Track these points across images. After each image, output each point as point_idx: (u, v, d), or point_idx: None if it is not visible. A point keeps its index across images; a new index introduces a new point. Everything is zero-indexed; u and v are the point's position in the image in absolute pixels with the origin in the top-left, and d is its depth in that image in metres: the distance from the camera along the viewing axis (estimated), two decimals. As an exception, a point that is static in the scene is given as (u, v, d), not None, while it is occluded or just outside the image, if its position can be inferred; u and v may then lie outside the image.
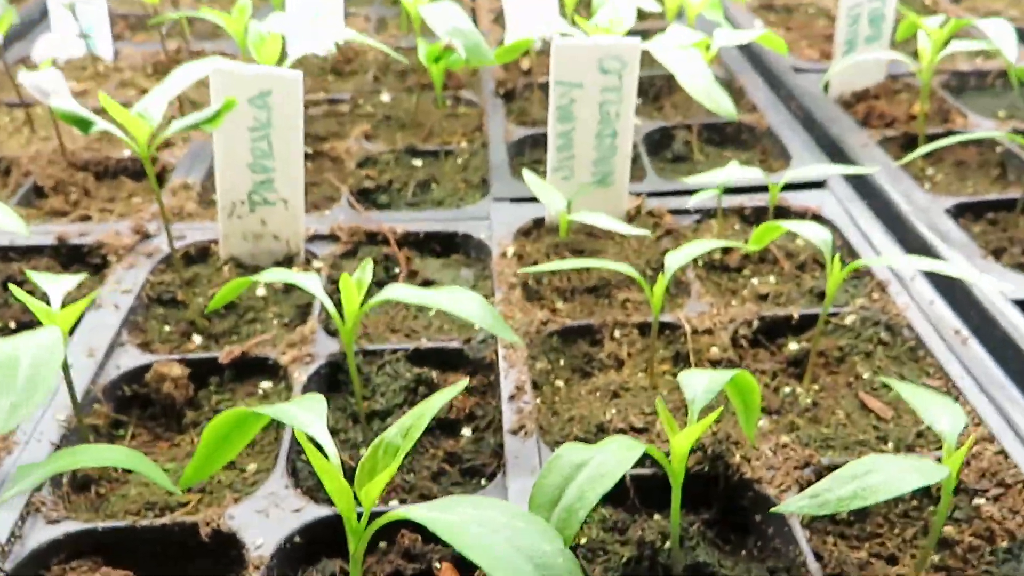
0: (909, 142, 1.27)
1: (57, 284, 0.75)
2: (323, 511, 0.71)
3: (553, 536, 0.47)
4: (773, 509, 0.59)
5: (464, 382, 0.58)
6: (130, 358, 0.88)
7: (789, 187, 1.08)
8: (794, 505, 0.56)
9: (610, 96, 1.02)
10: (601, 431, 0.78)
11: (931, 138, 1.22)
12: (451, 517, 0.47)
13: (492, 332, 0.67)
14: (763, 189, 1.14)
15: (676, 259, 0.79)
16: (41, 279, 0.75)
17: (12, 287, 0.74)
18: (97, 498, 0.77)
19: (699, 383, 0.63)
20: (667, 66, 1.06)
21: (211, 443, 0.60)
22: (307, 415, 0.57)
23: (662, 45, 1.09)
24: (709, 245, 0.81)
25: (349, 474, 0.78)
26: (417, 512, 0.48)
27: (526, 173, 1.02)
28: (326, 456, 0.53)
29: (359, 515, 0.53)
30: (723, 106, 1.05)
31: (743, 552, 0.72)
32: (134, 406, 0.87)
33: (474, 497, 0.44)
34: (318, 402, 0.59)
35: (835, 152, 1.24)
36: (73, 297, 0.81)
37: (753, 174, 1.01)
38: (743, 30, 1.30)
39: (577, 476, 0.55)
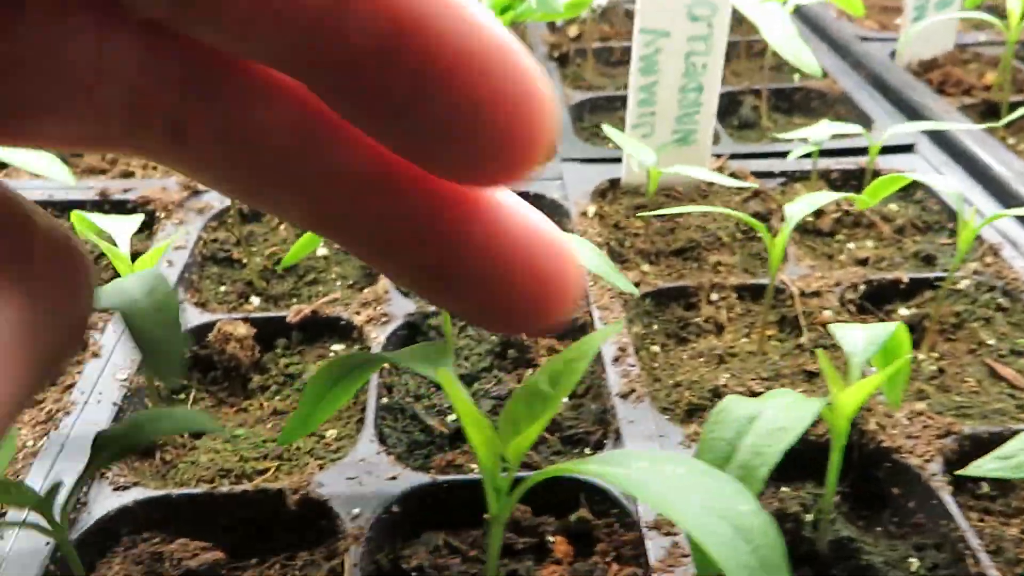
0: (988, 110, 1.21)
1: (122, 225, 0.67)
2: (422, 478, 0.64)
3: (747, 496, 0.40)
4: (962, 471, 0.52)
5: (620, 323, 0.52)
6: (190, 316, 0.81)
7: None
8: (985, 468, 0.50)
9: (698, 46, 0.95)
10: (717, 396, 0.72)
11: (1014, 106, 1.16)
12: (631, 473, 0.40)
13: (610, 280, 0.61)
14: (848, 152, 1.07)
15: (797, 209, 0.72)
16: (103, 220, 0.68)
17: (75, 216, 0.67)
18: (163, 464, 0.70)
19: (859, 336, 0.56)
20: (751, 18, 1.00)
21: (317, 392, 0.53)
22: (435, 360, 0.50)
23: (745, -3, 1.02)
24: (828, 196, 0.74)
25: (453, 439, 0.72)
26: (592, 467, 0.41)
27: (608, 128, 0.95)
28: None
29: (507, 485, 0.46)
30: (807, 62, 0.99)
31: (879, 528, 0.66)
32: (195, 368, 0.79)
33: (644, 451, 0.38)
34: (441, 349, 0.52)
35: (916, 118, 1.17)
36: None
37: (851, 130, 0.94)
38: (818, -11, 1.24)
39: (749, 430, 0.48)
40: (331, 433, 0.72)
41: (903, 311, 0.84)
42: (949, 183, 0.73)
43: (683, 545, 0.58)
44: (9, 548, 0.58)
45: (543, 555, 0.61)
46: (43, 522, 0.44)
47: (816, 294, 0.82)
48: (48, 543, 0.58)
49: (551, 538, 0.62)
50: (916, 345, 0.80)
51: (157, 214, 0.97)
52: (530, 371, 0.78)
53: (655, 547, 0.57)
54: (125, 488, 0.63)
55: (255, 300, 0.88)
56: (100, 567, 0.60)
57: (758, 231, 0.71)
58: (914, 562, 0.61)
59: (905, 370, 0.61)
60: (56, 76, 0.20)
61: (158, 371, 0.39)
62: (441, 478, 0.64)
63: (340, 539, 0.60)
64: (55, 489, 0.40)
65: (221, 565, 0.60)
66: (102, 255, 0.88)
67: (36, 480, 0.64)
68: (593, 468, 0.41)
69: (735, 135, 1.21)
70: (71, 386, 0.74)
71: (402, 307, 0.82)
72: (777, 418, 0.48)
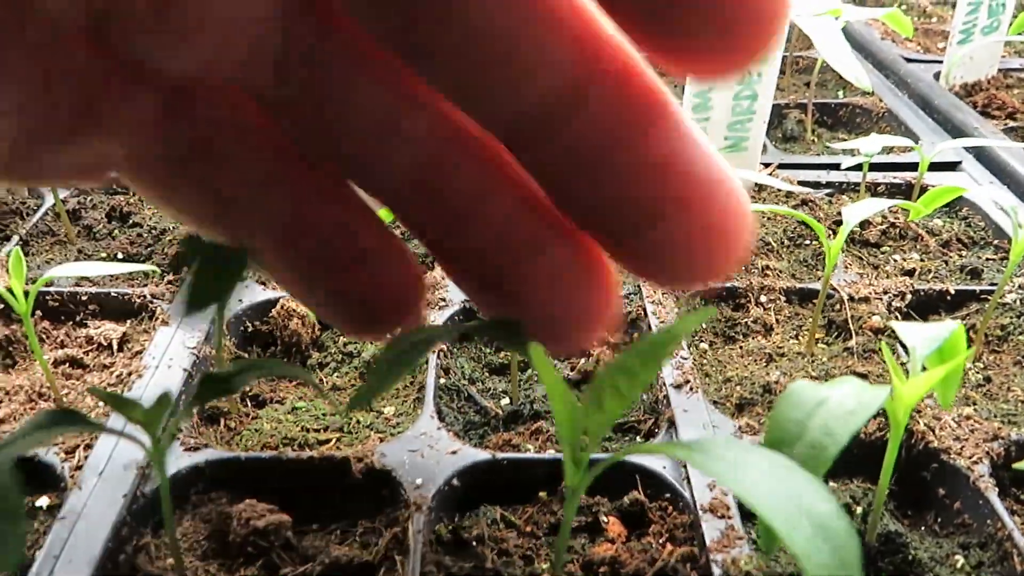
0: (1033, 134, 1.22)
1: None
2: (481, 455, 0.66)
3: (828, 495, 0.39)
4: (1018, 464, 0.53)
5: (713, 308, 0.53)
6: (253, 292, 0.84)
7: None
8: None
9: (753, 56, 0.97)
10: (768, 392, 0.73)
11: (1059, 130, 1.17)
12: (721, 462, 0.40)
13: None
14: (895, 167, 1.09)
15: (854, 213, 0.74)
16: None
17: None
18: (228, 431, 0.72)
19: (921, 332, 0.58)
20: (805, 31, 1.02)
21: (390, 360, 0.55)
22: (517, 335, 0.52)
23: (800, 9, 1.04)
24: (884, 203, 0.76)
25: (507, 421, 0.73)
26: (680, 452, 0.41)
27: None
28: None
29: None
30: (859, 78, 1.01)
31: (923, 527, 0.67)
32: (255, 343, 0.82)
33: (727, 439, 0.38)
34: (512, 324, 0.54)
35: (961, 137, 1.19)
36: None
37: (902, 143, 0.96)
38: (868, 7, 1.26)
39: (818, 412, 0.49)
40: (389, 410, 0.74)
41: (949, 322, 0.85)
42: (1004, 196, 0.75)
43: (738, 528, 0.59)
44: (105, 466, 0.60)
45: (597, 534, 0.63)
46: (147, 441, 0.44)
47: (865, 300, 0.84)
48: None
49: (605, 518, 0.64)
50: (962, 354, 0.82)
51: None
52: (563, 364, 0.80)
53: (710, 529, 0.59)
54: (196, 449, 0.66)
55: (312, 282, 0.90)
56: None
57: (807, 236, 0.73)
58: (959, 559, 0.62)
59: (960, 370, 0.62)
60: None
61: None
62: (500, 455, 0.66)
63: (401, 508, 0.62)
64: (164, 400, 0.42)
65: (286, 527, 0.62)
66: None
67: (108, 443, 0.67)
68: (682, 453, 0.42)
69: (781, 147, 1.22)
70: (140, 352, 0.76)
71: (459, 293, 0.84)
72: (845, 402, 0.50)
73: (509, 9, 0.20)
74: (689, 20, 0.20)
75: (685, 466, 0.64)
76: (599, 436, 0.47)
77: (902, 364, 0.73)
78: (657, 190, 0.22)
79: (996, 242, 0.97)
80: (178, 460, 0.65)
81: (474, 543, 0.61)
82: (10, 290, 0.65)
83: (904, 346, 0.76)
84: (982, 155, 1.13)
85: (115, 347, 0.78)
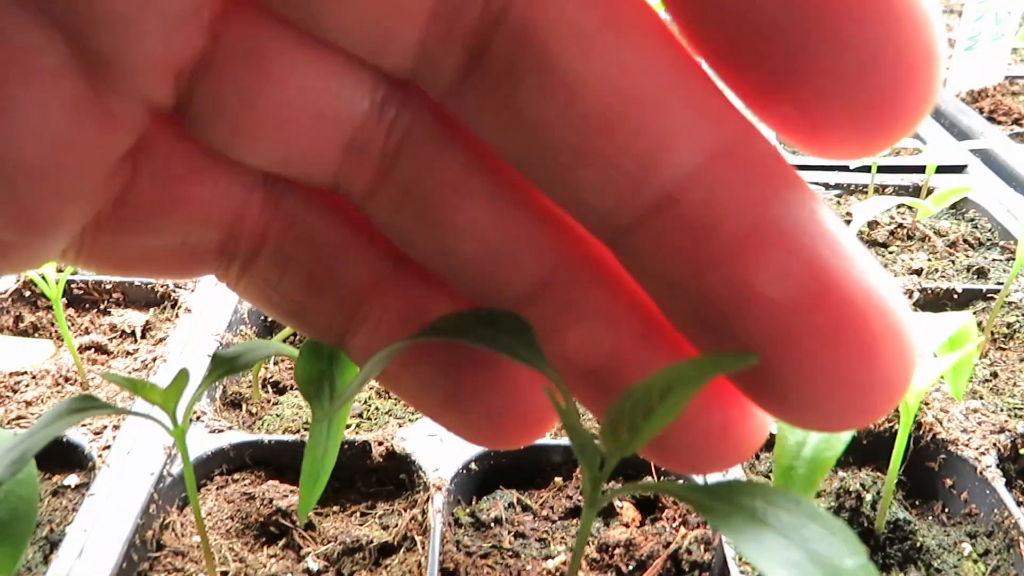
0: (1038, 139, 1.24)
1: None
2: (498, 440, 0.67)
3: (855, 547, 0.35)
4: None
5: (754, 357, 0.55)
6: (273, 283, 0.85)
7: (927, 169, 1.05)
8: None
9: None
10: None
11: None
12: (731, 510, 0.37)
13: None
14: (902, 169, 1.11)
15: (863, 211, 0.75)
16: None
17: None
18: (249, 416, 0.73)
19: (930, 323, 0.60)
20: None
21: (374, 361, 0.57)
22: (515, 340, 0.53)
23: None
24: (893, 200, 0.77)
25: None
26: (695, 496, 0.39)
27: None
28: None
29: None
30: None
31: (930, 516, 0.68)
32: (275, 332, 0.84)
33: (750, 483, 0.32)
34: (520, 324, 0.56)
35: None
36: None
37: (911, 144, 0.98)
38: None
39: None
40: (407, 397, 0.76)
41: (958, 313, 0.87)
42: (1012, 199, 0.77)
43: (750, 512, 0.61)
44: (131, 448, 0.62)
45: (611, 518, 0.64)
46: (167, 421, 0.46)
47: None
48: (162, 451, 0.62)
49: (619, 503, 0.65)
50: (968, 351, 0.83)
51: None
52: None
53: (723, 513, 0.60)
54: (220, 431, 0.67)
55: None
56: (196, 501, 0.64)
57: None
58: (966, 547, 0.64)
59: (971, 359, 0.64)
60: None
61: None
62: (517, 440, 0.67)
63: (420, 491, 0.64)
64: (181, 378, 0.43)
65: (308, 508, 0.63)
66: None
67: (135, 424, 0.68)
68: (695, 498, 0.38)
69: (790, 149, 1.24)
70: (163, 339, 0.78)
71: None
72: None
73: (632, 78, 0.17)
74: (821, 91, 0.16)
75: (698, 453, 0.66)
76: (615, 462, 0.44)
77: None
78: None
79: (1002, 243, 0.98)
80: (203, 442, 0.66)
81: (491, 525, 0.62)
82: (43, 276, 0.67)
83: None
84: (988, 159, 1.14)
85: (138, 334, 0.80)
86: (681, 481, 0.66)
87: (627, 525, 0.64)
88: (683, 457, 0.22)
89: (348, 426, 0.71)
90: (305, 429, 0.71)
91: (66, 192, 0.19)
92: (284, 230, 0.23)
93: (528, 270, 0.22)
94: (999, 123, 1.29)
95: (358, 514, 0.66)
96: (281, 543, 0.63)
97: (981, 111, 1.32)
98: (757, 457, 0.68)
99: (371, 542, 0.62)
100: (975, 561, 0.63)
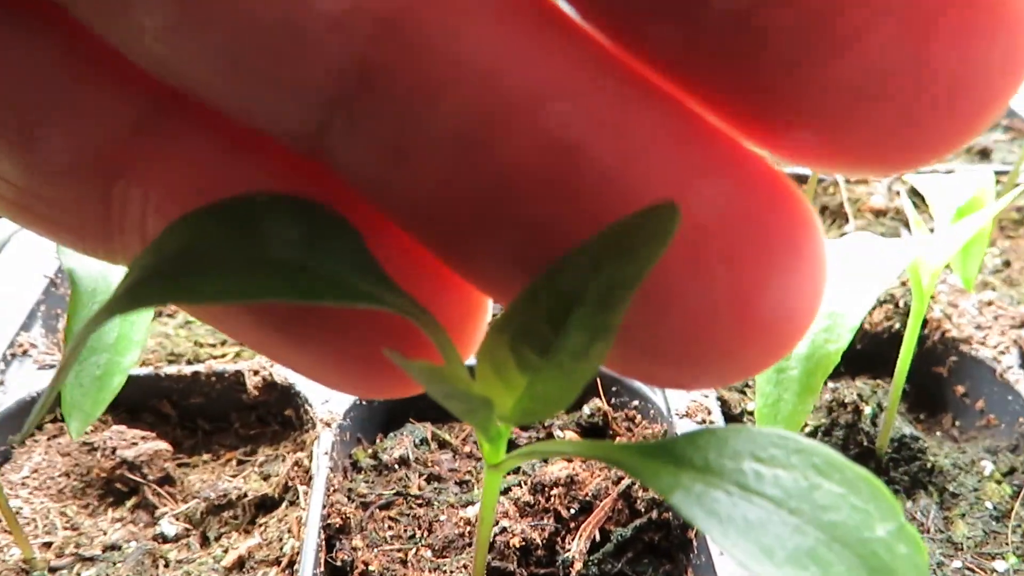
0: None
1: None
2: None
3: (888, 508, 0.21)
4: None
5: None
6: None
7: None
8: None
9: None
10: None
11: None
12: (707, 482, 0.21)
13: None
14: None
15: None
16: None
17: None
18: (104, 350, 0.59)
19: (945, 185, 0.47)
20: None
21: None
22: (337, 262, 0.39)
23: None
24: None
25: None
26: (648, 463, 0.22)
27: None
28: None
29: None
30: None
31: (939, 432, 0.56)
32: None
33: (731, 431, 0.17)
34: (333, 224, 0.42)
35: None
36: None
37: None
38: None
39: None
40: (302, 319, 0.62)
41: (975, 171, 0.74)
42: None
43: (721, 435, 0.48)
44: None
45: (550, 452, 0.51)
46: None
47: (863, 181, 0.72)
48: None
49: (560, 433, 0.52)
50: (974, 240, 0.71)
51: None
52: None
53: (687, 437, 0.48)
54: (52, 367, 0.53)
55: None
56: (18, 456, 0.50)
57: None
58: (987, 465, 0.52)
59: (984, 237, 0.51)
60: None
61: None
62: (430, 362, 0.54)
63: (309, 428, 0.50)
64: None
65: (163, 457, 0.50)
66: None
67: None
68: (648, 466, 0.21)
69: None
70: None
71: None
72: (860, 269, 0.38)
73: None
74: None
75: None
76: (516, 417, 0.29)
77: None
78: None
79: (1006, 122, 0.86)
80: (30, 381, 0.52)
81: (396, 467, 0.49)
82: None
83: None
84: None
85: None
86: (636, 403, 0.53)
87: (569, 460, 0.51)
88: (665, 361, 0.15)
89: (224, 355, 0.57)
90: (170, 361, 0.57)
91: None
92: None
93: (328, 47, 0.15)
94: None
95: (233, 463, 0.52)
96: (130, 503, 0.49)
97: None
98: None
99: (244, 496, 0.48)
100: (999, 482, 0.51)
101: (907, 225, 0.66)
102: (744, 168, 0.15)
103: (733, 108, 0.14)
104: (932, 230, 0.45)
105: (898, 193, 0.72)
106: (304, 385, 0.52)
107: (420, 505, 0.48)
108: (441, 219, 0.16)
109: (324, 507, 0.44)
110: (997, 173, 0.75)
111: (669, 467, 0.17)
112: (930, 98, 0.13)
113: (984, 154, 0.80)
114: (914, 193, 0.69)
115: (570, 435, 0.53)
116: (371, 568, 0.42)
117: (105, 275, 0.38)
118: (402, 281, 0.16)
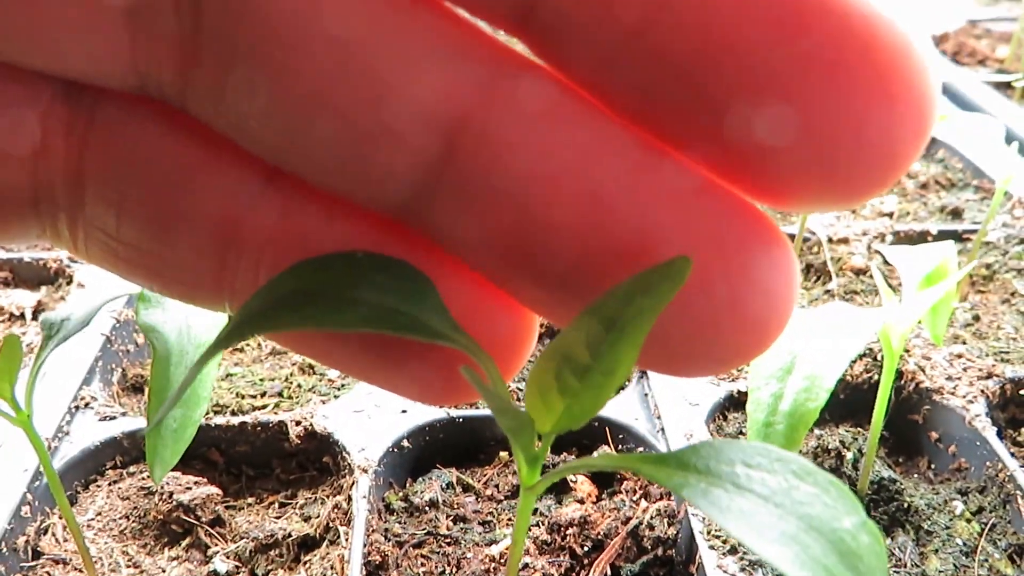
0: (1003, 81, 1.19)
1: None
2: (434, 413, 0.59)
3: (851, 503, 0.26)
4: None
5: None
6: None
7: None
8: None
9: None
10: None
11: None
12: (708, 480, 0.27)
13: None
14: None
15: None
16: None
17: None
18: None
19: (912, 255, 0.53)
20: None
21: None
22: (412, 303, 0.45)
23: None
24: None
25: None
26: (660, 469, 0.28)
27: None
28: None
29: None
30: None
31: (916, 474, 0.62)
32: (187, 308, 0.75)
33: (725, 443, 0.23)
34: (410, 275, 0.48)
35: (932, 83, 1.15)
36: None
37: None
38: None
39: (807, 346, 0.44)
40: (334, 372, 0.67)
41: (939, 244, 0.81)
42: (985, 124, 0.70)
43: (718, 479, 0.53)
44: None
45: (564, 494, 0.57)
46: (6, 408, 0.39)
47: (844, 241, 0.79)
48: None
49: (573, 477, 0.58)
50: (947, 295, 0.77)
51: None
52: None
53: (688, 481, 0.53)
54: (112, 419, 0.58)
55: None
56: (82, 500, 0.55)
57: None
58: (958, 505, 0.57)
59: (951, 299, 0.57)
60: None
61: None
62: (455, 412, 0.59)
63: (345, 474, 0.56)
64: (11, 347, 0.35)
65: (214, 501, 0.55)
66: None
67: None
68: (661, 472, 0.26)
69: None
70: (54, 320, 0.69)
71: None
72: (821, 349, 0.44)
73: None
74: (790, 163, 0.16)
75: (659, 416, 0.59)
76: (552, 437, 0.34)
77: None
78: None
79: (975, 182, 0.92)
80: (92, 432, 0.57)
81: (427, 509, 0.54)
82: None
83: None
84: (956, 99, 1.08)
85: (28, 316, 0.70)
86: (641, 449, 0.58)
87: (582, 501, 0.56)
88: (679, 354, 0.19)
89: (264, 406, 0.63)
90: (215, 413, 0.62)
91: None
92: (105, 154, 0.19)
93: (412, 143, 0.18)
94: (963, 64, 1.23)
95: (276, 505, 0.57)
96: (185, 543, 0.54)
97: (945, 52, 1.26)
98: (724, 418, 0.61)
99: (289, 536, 0.54)
100: (968, 520, 0.56)
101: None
102: (731, 205, 0.18)
103: (707, 160, 0.18)
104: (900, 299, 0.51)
105: (877, 252, 0.78)
106: (342, 434, 0.57)
107: (448, 543, 0.53)
108: (503, 264, 0.19)
109: (365, 545, 0.50)
110: (967, 232, 0.82)
111: (679, 471, 0.23)
112: (845, 155, 0.16)
113: (956, 213, 0.87)
114: (886, 261, 0.75)
115: (582, 478, 0.58)
116: (409, 600, 0.48)
117: (182, 329, 0.43)
118: (462, 316, 0.20)
